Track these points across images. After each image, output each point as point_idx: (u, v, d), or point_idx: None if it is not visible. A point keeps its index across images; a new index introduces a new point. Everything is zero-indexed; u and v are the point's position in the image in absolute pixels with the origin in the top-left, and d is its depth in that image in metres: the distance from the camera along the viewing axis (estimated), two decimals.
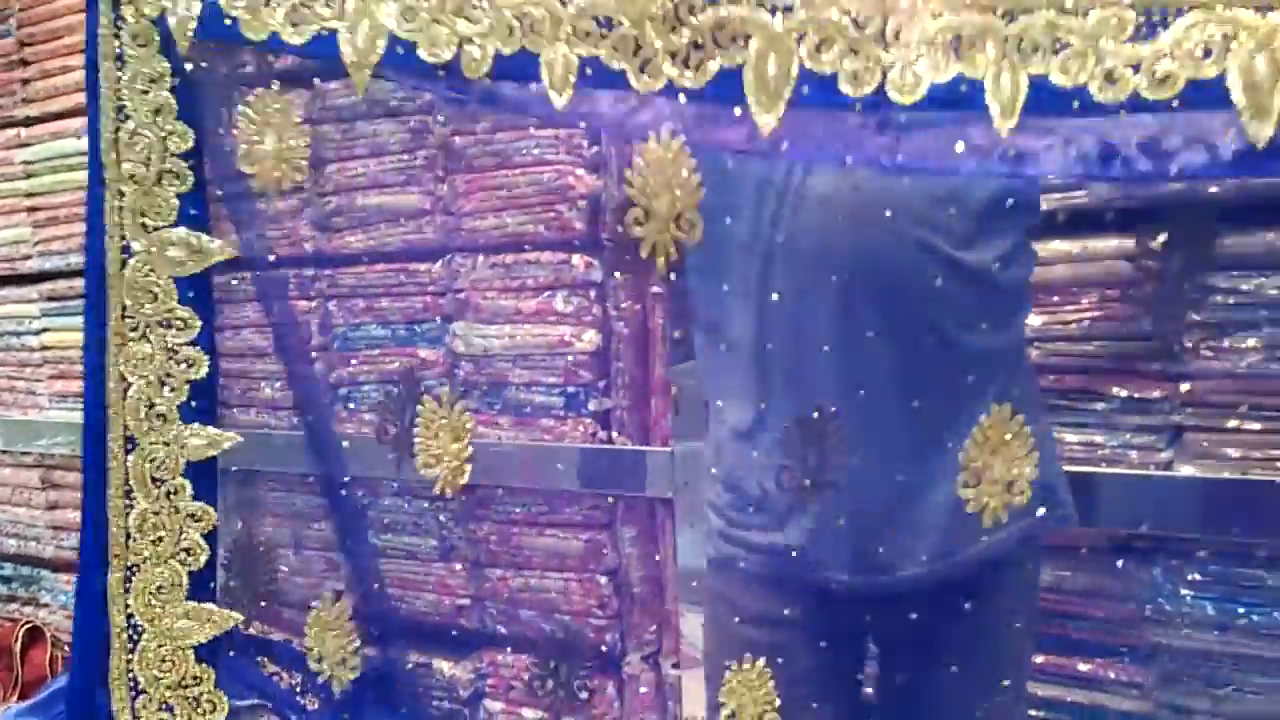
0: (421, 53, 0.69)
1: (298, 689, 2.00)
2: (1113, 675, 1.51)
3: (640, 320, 1.91)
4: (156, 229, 0.79)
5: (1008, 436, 0.89)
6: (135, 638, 0.89)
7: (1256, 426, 1.37)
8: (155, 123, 0.77)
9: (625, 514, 1.91)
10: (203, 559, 0.88)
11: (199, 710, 0.90)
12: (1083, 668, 1.52)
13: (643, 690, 1.93)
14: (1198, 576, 1.41)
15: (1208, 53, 0.68)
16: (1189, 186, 1.33)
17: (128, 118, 0.76)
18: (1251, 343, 1.39)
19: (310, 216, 2.18)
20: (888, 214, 0.98)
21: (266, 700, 1.93)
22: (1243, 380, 1.40)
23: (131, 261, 0.79)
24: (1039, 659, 1.48)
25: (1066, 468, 1.31)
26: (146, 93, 0.75)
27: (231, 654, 1.93)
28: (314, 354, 2.22)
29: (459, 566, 2.09)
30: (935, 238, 0.99)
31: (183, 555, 0.88)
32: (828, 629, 1.12)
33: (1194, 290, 1.42)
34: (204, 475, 0.89)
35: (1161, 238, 1.40)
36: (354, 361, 2.21)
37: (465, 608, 2.10)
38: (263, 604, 2.17)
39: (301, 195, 2.18)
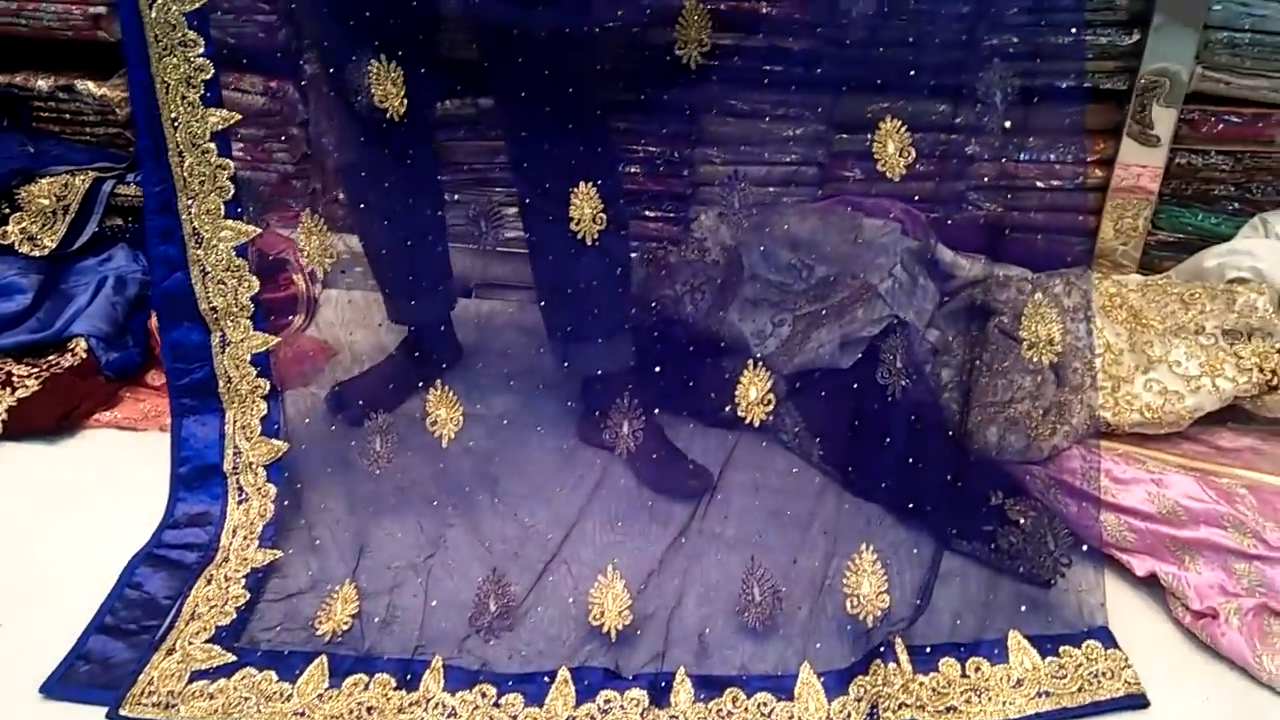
0: None
1: None
2: None
3: None
4: None
5: None
6: (199, 244, 1.39)
7: None
8: None
9: None
10: (230, 193, 1.37)
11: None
12: None
13: None
14: None
15: None
16: None
17: None
18: None
19: None
20: None
21: None
22: None
23: (156, 3, 1.23)
24: None
25: None
26: None
27: None
28: None
29: None
30: None
31: (219, 190, 1.37)
32: None
33: None
34: (223, 139, 1.36)
35: None
36: None
37: None
38: None
39: None
